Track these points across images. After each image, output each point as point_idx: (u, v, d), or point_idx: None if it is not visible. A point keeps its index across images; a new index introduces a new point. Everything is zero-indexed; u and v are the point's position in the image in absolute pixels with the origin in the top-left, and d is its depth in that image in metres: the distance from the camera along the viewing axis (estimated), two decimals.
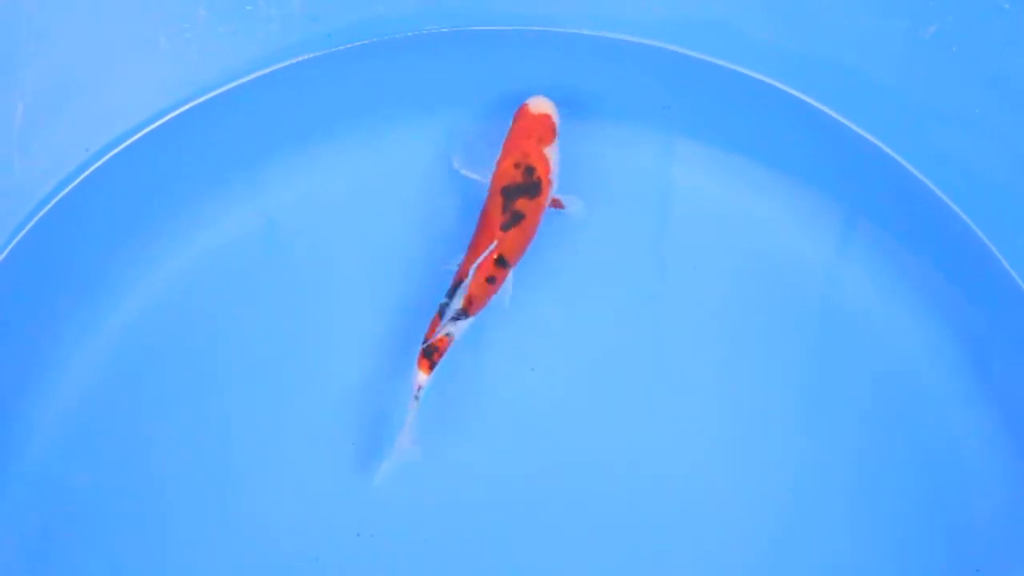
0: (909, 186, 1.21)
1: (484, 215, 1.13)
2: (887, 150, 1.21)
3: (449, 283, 1.11)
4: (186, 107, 1.21)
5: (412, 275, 1.18)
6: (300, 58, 1.24)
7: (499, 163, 1.14)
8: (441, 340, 1.09)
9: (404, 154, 1.23)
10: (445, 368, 1.11)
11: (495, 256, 1.10)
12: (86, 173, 1.20)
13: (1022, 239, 1.18)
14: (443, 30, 1.26)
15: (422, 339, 1.09)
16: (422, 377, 1.09)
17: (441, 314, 1.09)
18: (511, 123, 1.16)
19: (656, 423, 1.15)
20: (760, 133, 1.24)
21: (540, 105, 1.16)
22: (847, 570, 1.11)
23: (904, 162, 1.21)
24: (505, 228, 1.11)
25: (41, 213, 1.19)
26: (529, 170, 1.13)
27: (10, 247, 1.18)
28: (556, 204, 1.15)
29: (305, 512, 1.12)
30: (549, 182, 1.13)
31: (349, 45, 1.24)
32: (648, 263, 1.21)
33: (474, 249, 1.11)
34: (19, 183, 1.17)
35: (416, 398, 1.09)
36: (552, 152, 1.14)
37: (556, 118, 1.16)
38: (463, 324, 1.10)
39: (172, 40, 1.19)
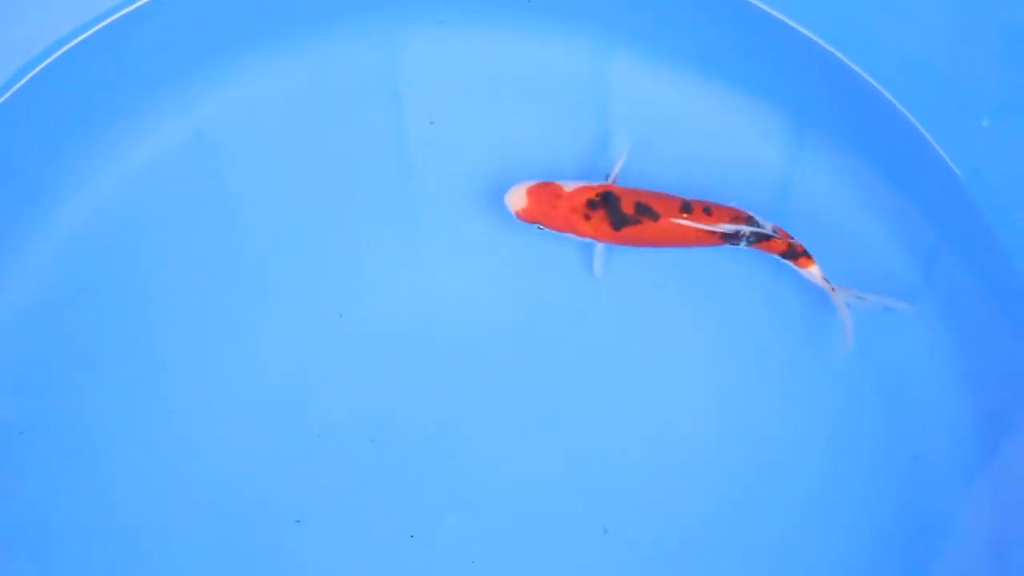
0: (852, 84, 1.21)
1: (641, 237, 1.11)
2: (826, 45, 1.21)
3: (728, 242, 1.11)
4: (115, 16, 1.20)
5: (345, 181, 1.19)
6: None
7: (581, 232, 1.11)
8: (784, 242, 1.11)
9: (341, 62, 1.22)
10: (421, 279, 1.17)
11: (682, 212, 1.09)
12: (17, 85, 1.19)
13: (956, 127, 1.19)
14: None
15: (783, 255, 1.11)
16: (816, 269, 1.11)
17: (759, 240, 1.10)
18: (537, 224, 1.12)
19: (610, 338, 1.16)
20: (697, 37, 1.24)
21: (519, 195, 1.11)
22: (780, 462, 1.13)
23: (844, 58, 1.20)
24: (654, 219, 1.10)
25: None
26: (592, 204, 1.10)
27: None
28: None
29: (261, 413, 1.14)
30: (606, 184, 1.11)
31: None
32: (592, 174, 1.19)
33: (681, 234, 1.10)
34: None
35: (832, 289, 1.11)
36: (570, 184, 1.11)
37: (529, 185, 1.11)
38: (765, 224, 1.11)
39: None
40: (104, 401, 1.14)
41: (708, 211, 1.10)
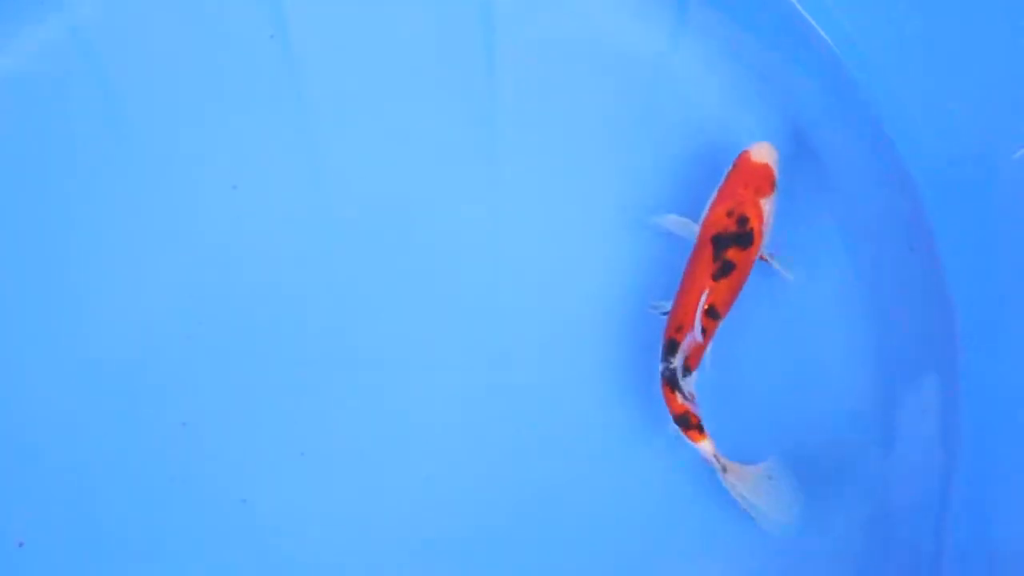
0: None
1: (691, 263, 1.09)
2: None
3: (662, 339, 1.07)
4: None
5: (235, 68, 1.20)
6: None
7: (711, 208, 1.10)
8: (682, 406, 1.05)
9: None
10: None
11: (706, 307, 1.06)
12: None
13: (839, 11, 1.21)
14: None
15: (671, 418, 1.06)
16: (707, 446, 1.05)
17: (670, 381, 1.05)
18: (730, 168, 1.12)
19: (501, 230, 1.19)
20: None
21: (763, 154, 1.12)
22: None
23: None
24: (716, 278, 1.07)
25: None
26: (743, 220, 1.08)
27: None
28: (764, 259, 1.12)
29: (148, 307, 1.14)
30: (761, 235, 1.09)
31: None
32: (476, 55, 1.22)
33: (684, 299, 1.07)
34: None
35: (724, 469, 1.05)
36: (768, 205, 1.10)
37: (776, 169, 1.12)
38: (691, 379, 1.06)
39: None
40: None
41: (701, 335, 1.06)
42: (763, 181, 1.10)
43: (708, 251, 1.08)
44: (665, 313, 1.09)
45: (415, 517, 1.08)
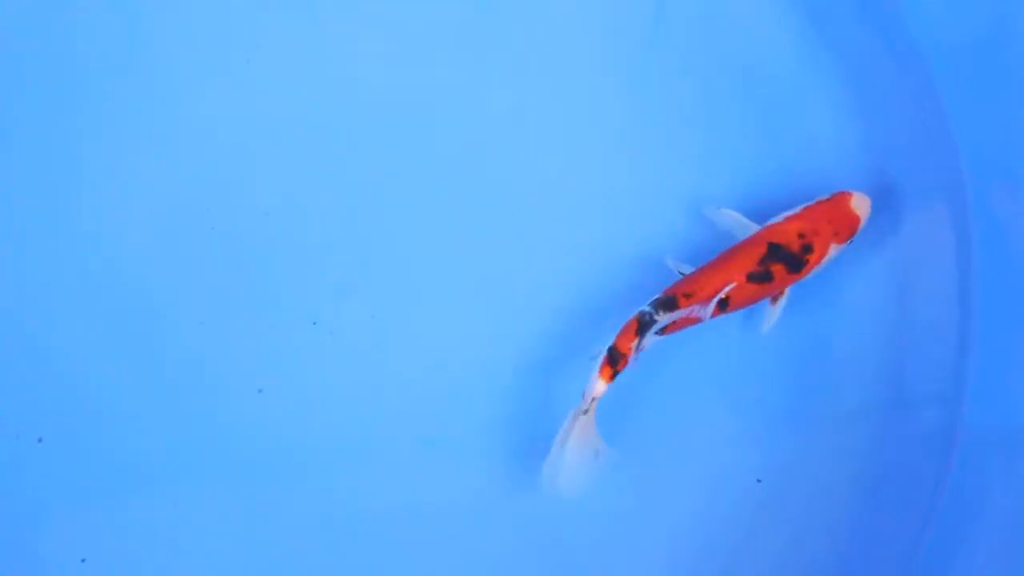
0: None
1: (736, 252, 1.08)
2: None
3: (661, 292, 1.06)
4: None
5: None
6: None
7: (786, 220, 1.10)
8: (629, 349, 1.03)
9: None
10: None
11: (724, 297, 1.05)
12: None
13: None
14: None
15: (608, 345, 1.03)
16: (600, 387, 1.03)
17: (639, 324, 1.03)
18: (825, 198, 1.12)
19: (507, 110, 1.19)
20: None
21: (861, 205, 1.12)
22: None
23: None
24: (749, 279, 1.07)
25: None
26: (806, 248, 1.09)
27: None
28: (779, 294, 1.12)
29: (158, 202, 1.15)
30: (810, 271, 1.10)
31: None
32: None
33: (708, 275, 1.06)
34: None
35: (586, 411, 1.03)
36: (835, 251, 1.11)
37: (863, 223, 1.12)
38: (654, 340, 1.05)
39: None
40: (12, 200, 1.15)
41: (721, 306, 1.06)
42: (847, 229, 1.11)
43: (759, 250, 1.08)
44: (682, 273, 1.10)
45: (429, 404, 1.11)
